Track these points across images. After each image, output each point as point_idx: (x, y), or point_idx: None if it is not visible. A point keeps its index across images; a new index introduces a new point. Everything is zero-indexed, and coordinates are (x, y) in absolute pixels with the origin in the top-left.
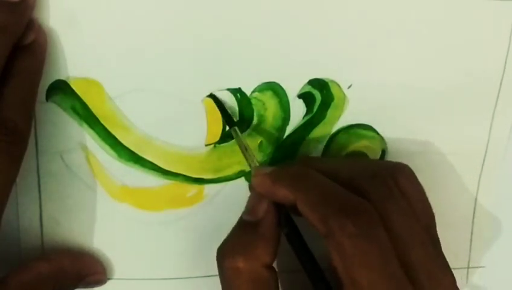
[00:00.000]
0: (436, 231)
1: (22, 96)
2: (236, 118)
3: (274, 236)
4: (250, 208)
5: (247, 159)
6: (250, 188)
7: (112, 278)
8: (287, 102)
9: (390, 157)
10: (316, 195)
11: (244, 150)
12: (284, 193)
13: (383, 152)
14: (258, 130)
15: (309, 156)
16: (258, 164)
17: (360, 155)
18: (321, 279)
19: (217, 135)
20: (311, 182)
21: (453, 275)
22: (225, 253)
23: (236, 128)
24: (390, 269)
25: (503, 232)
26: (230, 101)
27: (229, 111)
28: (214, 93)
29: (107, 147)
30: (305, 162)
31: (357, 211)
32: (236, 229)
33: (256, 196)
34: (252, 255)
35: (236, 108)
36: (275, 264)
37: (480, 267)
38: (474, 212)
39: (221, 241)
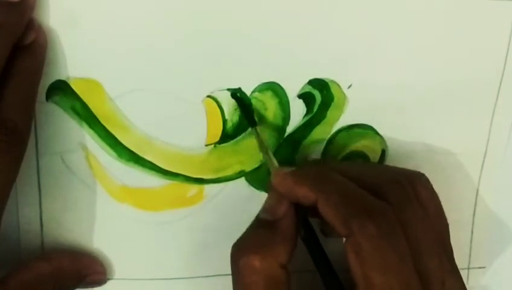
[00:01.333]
0: (450, 242)
1: (22, 96)
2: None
3: (292, 236)
4: (269, 207)
5: (266, 160)
6: (268, 188)
7: (112, 278)
8: (287, 102)
9: (391, 157)
10: (337, 196)
11: (265, 150)
12: (305, 193)
13: (383, 152)
14: (258, 130)
15: (329, 160)
16: (277, 165)
17: (362, 157)
18: (336, 283)
19: (217, 135)
20: (332, 183)
21: (465, 287)
22: (242, 250)
23: (256, 128)
24: (406, 273)
25: (503, 232)
26: (231, 101)
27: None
28: (235, 92)
29: (107, 147)
30: (325, 164)
31: (378, 213)
32: (253, 227)
33: (275, 195)
34: (270, 254)
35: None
36: None
37: (480, 267)
38: (474, 212)
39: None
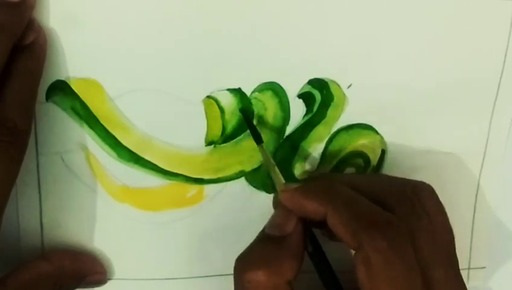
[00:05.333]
0: (455, 251)
1: (22, 96)
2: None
3: (300, 253)
4: (276, 223)
5: (272, 177)
6: (275, 204)
7: (112, 279)
8: (287, 102)
9: (391, 157)
10: (346, 209)
11: (272, 167)
12: (314, 207)
13: (383, 152)
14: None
15: (334, 172)
16: (284, 181)
17: (362, 157)
18: None
19: (217, 135)
20: (340, 196)
21: None
22: (247, 265)
23: (263, 145)
24: (414, 285)
25: (503, 232)
26: (230, 101)
27: (258, 128)
28: (244, 108)
29: (107, 147)
30: (331, 177)
31: (386, 226)
32: (258, 242)
33: (283, 211)
34: (277, 270)
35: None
36: None
37: (480, 267)
38: (474, 212)
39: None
